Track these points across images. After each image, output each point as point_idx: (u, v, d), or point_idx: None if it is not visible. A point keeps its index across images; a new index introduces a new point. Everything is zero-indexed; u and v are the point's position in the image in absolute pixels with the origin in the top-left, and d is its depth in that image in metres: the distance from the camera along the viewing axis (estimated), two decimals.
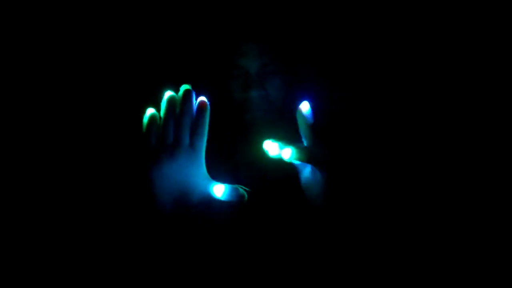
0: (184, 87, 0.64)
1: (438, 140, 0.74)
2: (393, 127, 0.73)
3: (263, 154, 0.65)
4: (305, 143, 0.65)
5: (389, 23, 0.74)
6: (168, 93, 0.64)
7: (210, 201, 0.63)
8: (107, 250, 0.63)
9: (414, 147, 0.73)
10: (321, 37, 0.79)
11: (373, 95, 0.74)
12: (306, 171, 0.68)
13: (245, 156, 0.91)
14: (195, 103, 0.64)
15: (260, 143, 0.65)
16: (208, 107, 0.64)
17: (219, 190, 0.63)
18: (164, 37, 0.76)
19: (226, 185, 0.64)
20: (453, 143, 0.74)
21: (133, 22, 0.75)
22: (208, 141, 0.65)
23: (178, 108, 0.63)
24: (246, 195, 0.63)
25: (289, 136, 0.67)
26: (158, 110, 0.64)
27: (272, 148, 0.63)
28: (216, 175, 0.66)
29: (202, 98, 0.64)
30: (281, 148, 0.63)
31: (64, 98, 0.73)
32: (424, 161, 0.72)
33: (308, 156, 0.63)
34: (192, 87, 0.64)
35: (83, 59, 0.74)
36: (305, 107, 0.65)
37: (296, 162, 0.65)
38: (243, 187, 0.64)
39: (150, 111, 0.63)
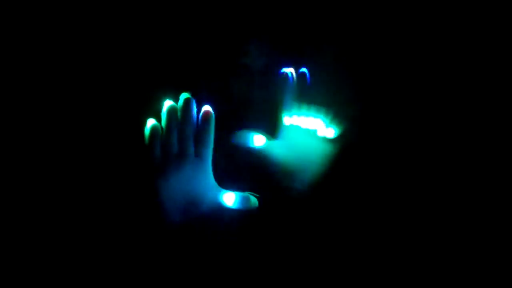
0: (184, 95, 0.61)
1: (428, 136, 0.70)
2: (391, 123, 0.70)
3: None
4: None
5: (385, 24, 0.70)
6: (167, 103, 0.60)
7: (221, 210, 0.62)
8: (116, 262, 0.62)
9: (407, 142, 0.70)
10: (324, 34, 0.75)
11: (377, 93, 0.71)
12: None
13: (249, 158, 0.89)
14: (200, 111, 0.61)
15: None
16: (213, 116, 0.61)
17: (230, 199, 0.62)
18: (162, 42, 0.71)
19: (237, 193, 0.62)
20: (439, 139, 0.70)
21: (128, 29, 0.70)
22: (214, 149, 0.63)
23: (179, 117, 0.61)
24: (257, 202, 0.62)
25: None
26: (158, 119, 0.61)
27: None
28: (223, 181, 0.64)
29: (207, 107, 0.62)
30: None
31: (59, 111, 0.69)
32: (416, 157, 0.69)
33: None
34: (193, 93, 0.61)
35: (76, 65, 0.70)
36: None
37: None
38: (253, 193, 0.62)
39: (151, 122, 0.60)
